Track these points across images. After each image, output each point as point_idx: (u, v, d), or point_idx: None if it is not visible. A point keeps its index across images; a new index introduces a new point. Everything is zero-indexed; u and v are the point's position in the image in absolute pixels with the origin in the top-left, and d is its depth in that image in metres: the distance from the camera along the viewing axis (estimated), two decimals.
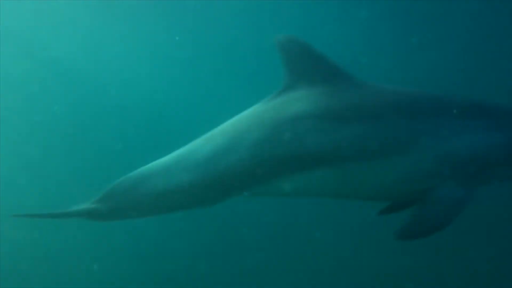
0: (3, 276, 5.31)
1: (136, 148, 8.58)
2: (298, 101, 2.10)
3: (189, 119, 10.22)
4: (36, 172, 8.10)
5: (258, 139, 2.00)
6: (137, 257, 6.13)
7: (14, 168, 7.75)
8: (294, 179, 2.02)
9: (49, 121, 9.32)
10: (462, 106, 2.20)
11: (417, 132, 1.99)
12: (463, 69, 8.93)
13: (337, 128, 1.98)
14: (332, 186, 2.18)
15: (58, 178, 7.94)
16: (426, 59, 8.82)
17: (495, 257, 5.30)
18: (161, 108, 10.79)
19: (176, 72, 11.06)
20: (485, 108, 2.26)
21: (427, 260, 5.42)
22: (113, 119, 9.93)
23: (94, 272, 5.25)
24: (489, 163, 1.99)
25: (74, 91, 10.17)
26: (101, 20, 9.87)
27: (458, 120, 2.04)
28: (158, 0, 9.48)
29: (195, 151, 2.16)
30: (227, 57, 10.69)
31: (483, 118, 2.12)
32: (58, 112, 9.35)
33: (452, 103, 2.27)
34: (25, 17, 9.32)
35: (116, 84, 10.64)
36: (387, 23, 9.43)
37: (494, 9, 8.47)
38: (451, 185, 1.87)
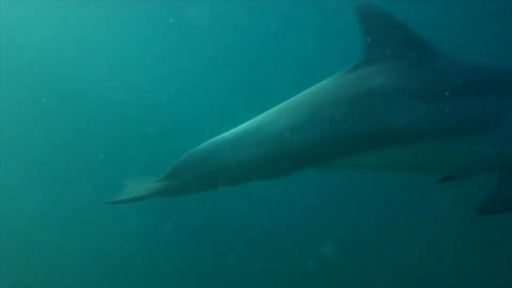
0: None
1: (129, 145, 8.38)
2: (379, 75, 1.98)
3: (185, 114, 10.01)
4: (25, 169, 7.88)
5: (335, 114, 1.93)
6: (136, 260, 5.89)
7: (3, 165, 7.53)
8: (370, 155, 1.98)
9: (38, 116, 9.04)
10: None
11: (505, 107, 1.90)
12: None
13: (420, 105, 1.87)
14: (409, 162, 2.15)
15: (47, 174, 7.73)
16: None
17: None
18: (153, 102, 10.53)
19: (171, 61, 10.71)
20: None
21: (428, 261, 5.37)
22: (104, 114, 9.70)
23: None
24: None
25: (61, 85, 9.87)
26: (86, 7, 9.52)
27: None
28: None
29: (268, 124, 2.13)
30: (229, 45, 10.38)
31: None
32: (47, 106, 9.07)
33: None
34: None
35: (105, 77, 10.34)
36: None
37: None
38: None
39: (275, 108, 2.22)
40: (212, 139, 2.30)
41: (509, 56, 7.94)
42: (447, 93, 1.88)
